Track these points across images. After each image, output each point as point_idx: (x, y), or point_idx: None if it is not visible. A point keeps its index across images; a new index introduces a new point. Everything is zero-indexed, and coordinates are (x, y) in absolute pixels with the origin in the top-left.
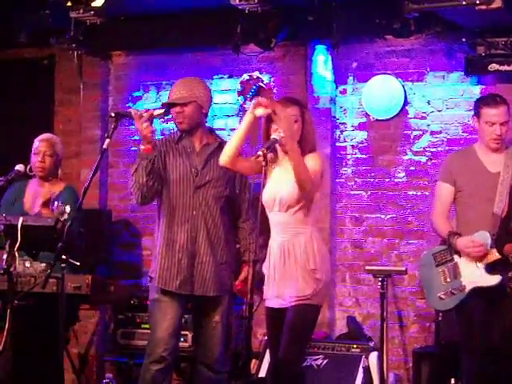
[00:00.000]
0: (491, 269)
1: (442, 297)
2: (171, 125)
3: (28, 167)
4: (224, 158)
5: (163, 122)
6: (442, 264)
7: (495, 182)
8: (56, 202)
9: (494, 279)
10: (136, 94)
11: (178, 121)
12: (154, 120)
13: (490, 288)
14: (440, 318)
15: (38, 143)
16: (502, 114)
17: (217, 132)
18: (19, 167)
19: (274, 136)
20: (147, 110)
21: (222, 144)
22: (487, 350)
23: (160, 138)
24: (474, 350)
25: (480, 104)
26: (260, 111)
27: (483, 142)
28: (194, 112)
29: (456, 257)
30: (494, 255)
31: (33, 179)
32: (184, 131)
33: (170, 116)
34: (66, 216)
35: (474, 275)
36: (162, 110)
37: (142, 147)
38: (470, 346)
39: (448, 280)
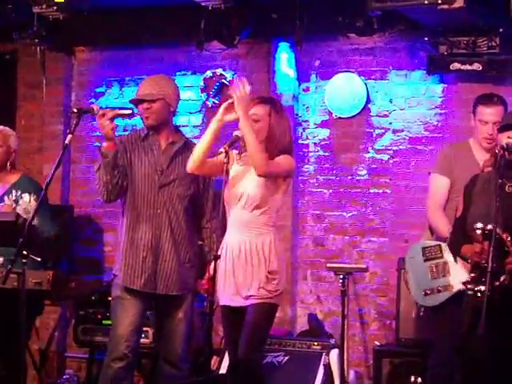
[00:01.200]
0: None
1: (428, 292)
2: (136, 121)
3: None
4: (192, 165)
5: (128, 118)
6: (430, 259)
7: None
8: (13, 191)
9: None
10: (99, 89)
11: (145, 116)
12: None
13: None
14: (421, 313)
15: None
16: (495, 114)
17: (180, 129)
18: None
19: (236, 133)
20: (112, 109)
21: (187, 143)
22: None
23: (126, 134)
24: (444, 350)
25: (476, 102)
26: (230, 117)
27: (477, 139)
28: (161, 109)
29: (447, 255)
30: None
31: None
32: (151, 127)
33: (132, 116)
34: (25, 205)
35: (464, 276)
36: (128, 111)
37: (103, 144)
38: (444, 346)
39: (435, 277)
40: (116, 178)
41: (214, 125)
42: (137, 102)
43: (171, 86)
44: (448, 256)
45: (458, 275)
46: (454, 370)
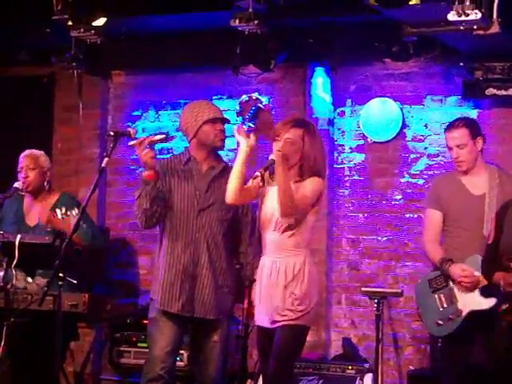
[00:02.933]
0: (485, 292)
1: (440, 323)
2: (173, 144)
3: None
4: (230, 196)
5: (163, 142)
6: (437, 290)
7: (481, 205)
8: (58, 210)
9: (490, 302)
10: (135, 113)
11: (221, 138)
12: (156, 144)
13: (484, 311)
14: (439, 344)
15: (20, 159)
16: (457, 138)
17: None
18: (17, 184)
19: (271, 156)
20: (147, 137)
21: (226, 167)
22: (470, 371)
23: (167, 157)
24: (457, 375)
25: (444, 130)
26: (253, 141)
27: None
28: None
29: (451, 282)
30: (483, 281)
31: (26, 197)
32: (220, 149)
33: (168, 140)
34: (75, 219)
35: (469, 299)
36: (163, 136)
37: (145, 173)
38: (453, 370)
39: (445, 306)
40: (156, 206)
41: (242, 154)
42: (208, 121)
43: None
44: (451, 282)
45: (463, 300)
46: None
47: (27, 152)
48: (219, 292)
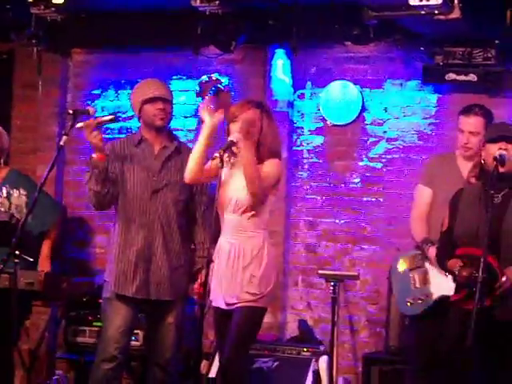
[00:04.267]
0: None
1: (410, 301)
2: (131, 123)
3: None
4: (189, 175)
5: (122, 120)
6: (413, 269)
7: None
8: (4, 188)
9: None
10: (95, 91)
11: (161, 117)
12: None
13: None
14: (407, 323)
15: None
16: (473, 124)
17: (174, 133)
18: None
19: (231, 138)
20: (95, 119)
21: (178, 147)
22: (436, 360)
23: (117, 139)
24: (427, 358)
25: (460, 112)
26: (218, 119)
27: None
28: (171, 110)
29: (427, 264)
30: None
31: None
32: (159, 129)
33: (116, 122)
34: (17, 200)
35: (442, 284)
36: (111, 117)
37: (94, 155)
38: (424, 354)
39: (417, 286)
40: (107, 188)
41: (205, 131)
42: (147, 100)
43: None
44: (427, 264)
45: (436, 284)
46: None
47: None
48: (174, 273)
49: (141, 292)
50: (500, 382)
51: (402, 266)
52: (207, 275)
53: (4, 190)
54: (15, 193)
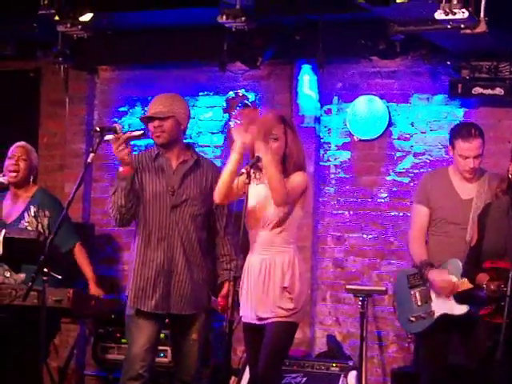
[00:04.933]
0: (460, 298)
1: (413, 319)
2: (149, 141)
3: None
4: (219, 196)
5: (141, 139)
6: (414, 287)
7: (467, 209)
8: (31, 207)
9: (462, 309)
10: (121, 108)
11: (156, 135)
12: (132, 141)
13: (456, 316)
14: (408, 340)
15: (14, 148)
16: (475, 148)
17: (197, 149)
18: (2, 179)
19: (258, 154)
20: (124, 134)
21: (198, 160)
22: (448, 370)
23: (136, 153)
24: (434, 373)
25: (455, 135)
26: (246, 141)
27: (457, 170)
28: (172, 127)
29: (428, 282)
30: (466, 285)
31: (8, 191)
32: (162, 146)
33: (146, 137)
34: (45, 220)
35: (444, 303)
36: (140, 132)
37: (120, 169)
38: (430, 369)
39: (419, 304)
40: (130, 203)
41: (234, 157)
42: (147, 120)
43: (181, 103)
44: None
45: (437, 302)
46: None
47: (22, 143)
48: (195, 287)
49: (161, 307)
50: None
51: (403, 283)
52: (234, 290)
53: (32, 210)
54: (41, 213)
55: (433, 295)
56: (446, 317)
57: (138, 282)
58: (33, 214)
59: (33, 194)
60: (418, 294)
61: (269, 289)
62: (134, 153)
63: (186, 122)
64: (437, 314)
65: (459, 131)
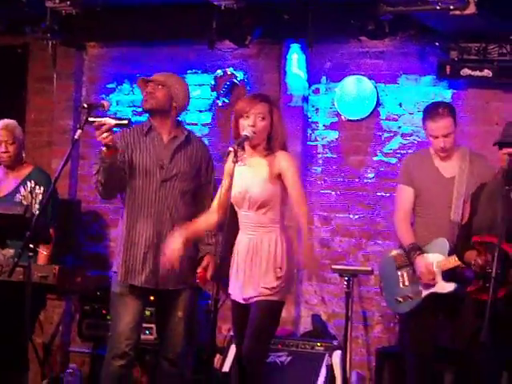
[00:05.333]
0: (447, 276)
1: (399, 299)
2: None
3: None
4: (221, 217)
5: (138, 115)
6: (402, 267)
7: (450, 187)
8: (28, 183)
9: (450, 287)
10: (110, 85)
11: (145, 99)
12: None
13: (444, 295)
14: (396, 321)
15: None
16: (444, 128)
17: (187, 126)
18: None
19: (244, 132)
20: (106, 122)
21: (188, 136)
22: (434, 350)
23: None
24: (421, 354)
25: (425, 116)
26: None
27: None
28: (163, 97)
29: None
30: (453, 262)
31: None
32: (147, 111)
33: (130, 126)
34: (39, 196)
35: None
36: (125, 121)
37: (103, 150)
38: (417, 349)
39: (406, 284)
40: (113, 180)
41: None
42: (141, 84)
43: (179, 82)
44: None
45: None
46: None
47: (4, 124)
48: (182, 262)
49: (150, 282)
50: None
51: (389, 264)
52: (216, 266)
53: (28, 185)
54: (37, 190)
55: (420, 277)
56: (433, 296)
57: (127, 257)
58: (29, 190)
59: (30, 171)
60: (405, 275)
61: (254, 268)
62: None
63: (180, 100)
64: (424, 294)
65: (428, 111)
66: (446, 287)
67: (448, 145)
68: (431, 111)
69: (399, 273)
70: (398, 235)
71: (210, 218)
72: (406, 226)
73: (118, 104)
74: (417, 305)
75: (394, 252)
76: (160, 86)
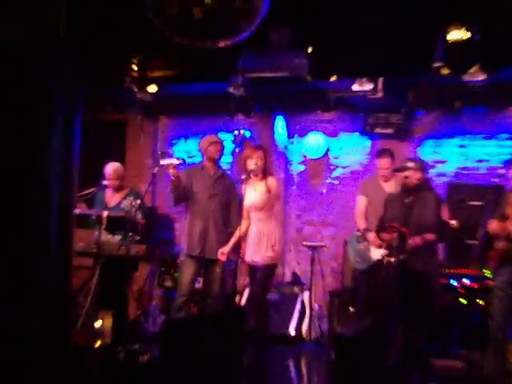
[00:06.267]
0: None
1: (358, 261)
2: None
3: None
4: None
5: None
6: (360, 242)
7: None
8: (128, 198)
9: (379, 253)
10: (173, 141)
11: (218, 157)
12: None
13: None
14: (356, 274)
15: (108, 170)
16: (386, 163)
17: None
18: (107, 182)
19: (250, 167)
20: (172, 164)
21: (224, 173)
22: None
23: (190, 166)
24: (368, 292)
25: (376, 155)
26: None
27: (380, 176)
28: (223, 151)
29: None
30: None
31: (108, 190)
32: (216, 161)
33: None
34: (137, 205)
35: (377, 252)
36: (181, 161)
37: (172, 179)
38: (365, 289)
39: (363, 252)
40: (180, 196)
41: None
42: (211, 144)
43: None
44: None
45: (374, 252)
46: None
47: (113, 166)
48: (219, 242)
49: (202, 252)
50: (413, 313)
51: (353, 240)
52: (237, 242)
53: (128, 199)
54: (133, 201)
55: (371, 247)
56: (379, 260)
57: (189, 239)
58: (130, 202)
59: (128, 191)
60: (362, 246)
61: (260, 244)
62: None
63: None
64: (373, 259)
65: (378, 152)
66: (378, 254)
67: (387, 174)
68: (380, 152)
69: (360, 245)
70: (357, 223)
71: (245, 224)
72: (362, 219)
73: (177, 152)
74: (369, 265)
75: (356, 233)
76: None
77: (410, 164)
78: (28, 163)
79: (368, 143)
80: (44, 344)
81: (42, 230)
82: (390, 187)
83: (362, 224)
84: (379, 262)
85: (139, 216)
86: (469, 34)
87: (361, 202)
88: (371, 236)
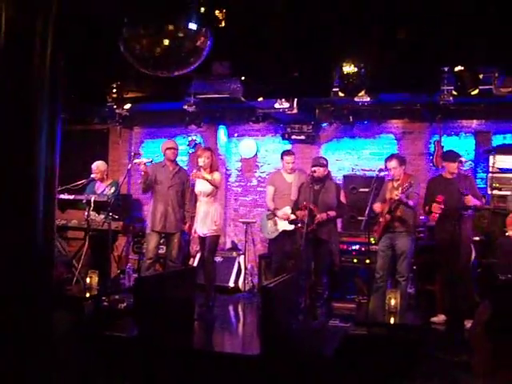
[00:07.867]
0: (291, 222)
1: (269, 232)
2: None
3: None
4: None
5: (156, 157)
6: (270, 219)
7: (290, 186)
8: (110, 187)
9: (292, 226)
10: (143, 145)
11: (174, 157)
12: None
13: (291, 231)
14: (269, 241)
15: (95, 167)
16: (289, 159)
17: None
18: (94, 176)
19: (200, 164)
20: (143, 161)
21: (180, 168)
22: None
23: (155, 163)
24: (280, 258)
25: (282, 153)
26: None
27: (284, 169)
28: (177, 153)
29: (276, 217)
30: (292, 216)
31: (96, 181)
32: (172, 161)
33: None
34: (112, 192)
35: (283, 224)
36: (150, 160)
37: (142, 174)
38: (278, 255)
39: (272, 225)
40: (148, 186)
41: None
42: (168, 149)
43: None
44: (277, 217)
45: (280, 224)
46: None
47: (98, 163)
48: (176, 221)
49: (163, 228)
50: (318, 268)
51: (264, 217)
52: (191, 222)
53: (111, 188)
54: (112, 190)
55: (278, 221)
56: (284, 231)
57: (153, 218)
58: (111, 190)
59: (111, 182)
60: (272, 222)
61: (206, 220)
62: (155, 161)
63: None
64: (280, 230)
65: (284, 151)
66: (289, 227)
67: (293, 167)
68: (286, 151)
69: (269, 221)
70: (267, 206)
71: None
72: (271, 202)
73: (146, 153)
74: (277, 234)
75: (267, 213)
76: (176, 149)
77: (322, 161)
78: (20, 160)
79: (288, 146)
80: (37, 298)
81: (29, 212)
82: (291, 178)
83: (271, 206)
84: (284, 231)
85: (112, 199)
86: (357, 69)
87: (269, 190)
88: (279, 213)
